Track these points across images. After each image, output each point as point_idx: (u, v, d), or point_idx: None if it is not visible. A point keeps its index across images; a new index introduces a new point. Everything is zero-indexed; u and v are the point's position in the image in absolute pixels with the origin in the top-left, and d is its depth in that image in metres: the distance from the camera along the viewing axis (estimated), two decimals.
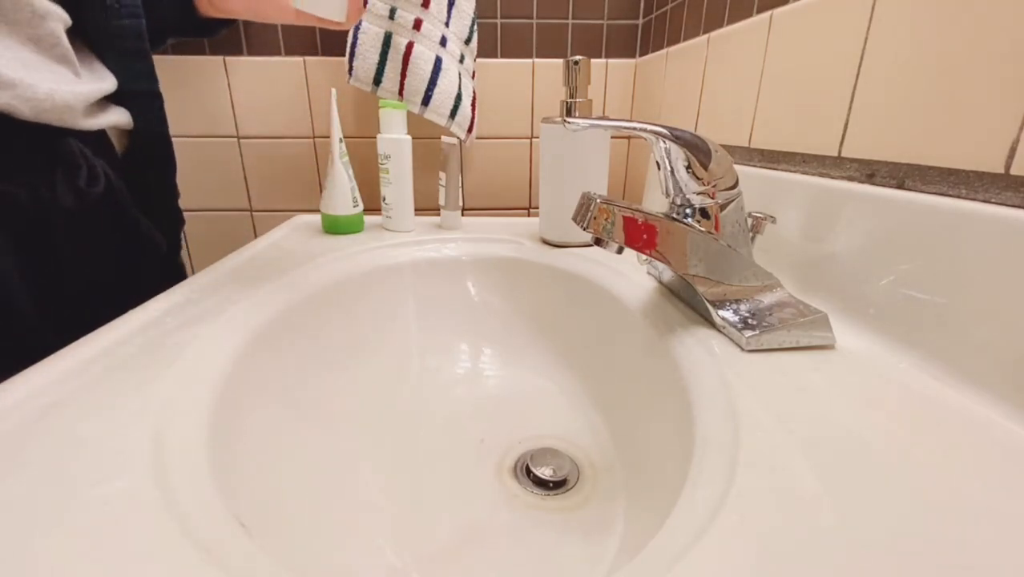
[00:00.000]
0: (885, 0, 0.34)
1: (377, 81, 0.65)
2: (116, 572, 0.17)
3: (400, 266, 0.55)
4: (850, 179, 0.37)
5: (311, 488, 0.33)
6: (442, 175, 0.62)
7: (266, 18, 0.54)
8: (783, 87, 0.44)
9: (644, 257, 0.44)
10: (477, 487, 0.38)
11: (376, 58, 0.63)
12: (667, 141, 0.33)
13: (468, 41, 0.71)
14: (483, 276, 0.57)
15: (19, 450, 0.22)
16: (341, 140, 0.59)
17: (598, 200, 0.31)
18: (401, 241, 0.58)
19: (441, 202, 0.63)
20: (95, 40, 0.45)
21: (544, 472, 0.38)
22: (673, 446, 0.29)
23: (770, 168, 0.45)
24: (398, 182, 0.61)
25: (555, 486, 0.37)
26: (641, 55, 0.79)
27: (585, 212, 0.32)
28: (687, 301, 0.40)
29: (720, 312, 0.35)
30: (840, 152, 0.38)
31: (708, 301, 0.35)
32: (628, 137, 0.84)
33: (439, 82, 0.65)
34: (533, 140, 0.82)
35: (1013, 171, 0.26)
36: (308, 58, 0.76)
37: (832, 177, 0.38)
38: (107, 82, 0.45)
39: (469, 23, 0.70)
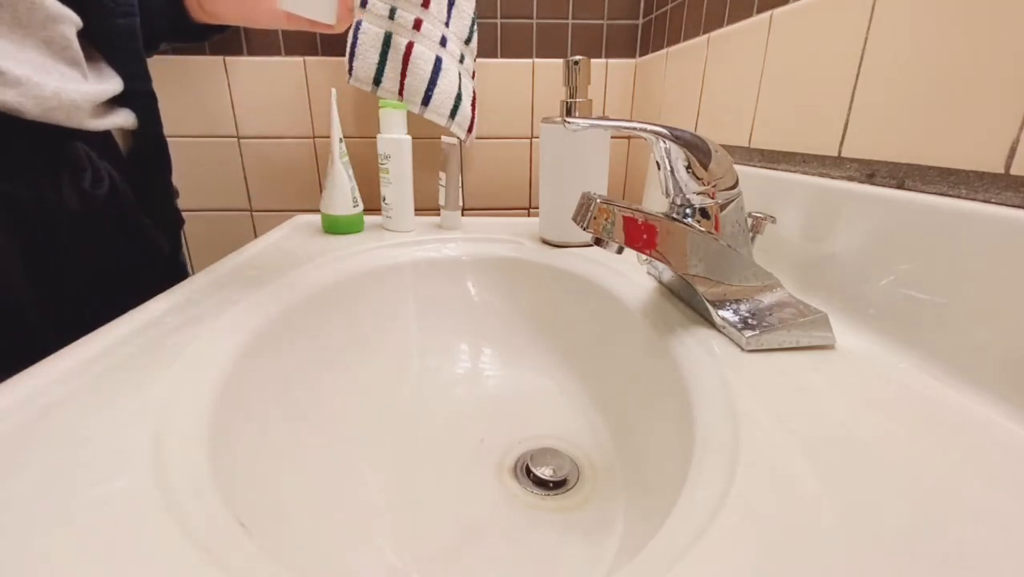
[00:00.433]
0: (885, 0, 0.34)
1: (377, 81, 0.65)
2: (116, 572, 0.17)
3: (400, 266, 0.55)
4: (850, 179, 0.37)
5: (311, 488, 0.33)
6: (442, 175, 0.62)
7: (258, 23, 0.54)
8: (783, 87, 0.44)
9: (644, 257, 0.44)
10: (477, 487, 0.38)
11: (376, 58, 0.63)
12: (667, 141, 0.33)
13: (468, 41, 0.71)
14: (483, 276, 0.57)
15: (19, 450, 0.22)
16: (341, 140, 0.59)
17: (598, 200, 0.31)
18: (401, 241, 0.58)
19: (441, 202, 0.63)
20: (96, 40, 0.45)
21: (544, 472, 0.38)
22: (673, 446, 0.29)
23: (770, 168, 0.45)
24: (398, 182, 0.61)
25: (555, 486, 0.37)
26: (641, 55, 0.79)
27: (585, 212, 0.32)
28: (687, 301, 0.40)
29: (720, 312, 0.35)
30: (840, 152, 0.38)
31: (708, 301, 0.35)
32: (628, 137, 0.84)
33: (439, 82, 0.65)
34: (533, 140, 0.82)
35: (1013, 171, 0.26)
36: (308, 58, 0.76)
37: (832, 177, 0.38)
38: (113, 83, 0.45)
39: (469, 23, 0.70)
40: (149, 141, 0.50)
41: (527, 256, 0.56)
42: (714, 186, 0.34)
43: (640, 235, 0.33)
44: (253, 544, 0.19)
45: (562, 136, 0.54)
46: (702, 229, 0.34)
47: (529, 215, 0.87)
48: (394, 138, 0.59)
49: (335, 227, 0.62)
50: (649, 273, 0.47)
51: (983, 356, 0.26)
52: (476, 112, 0.73)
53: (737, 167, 0.47)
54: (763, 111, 0.47)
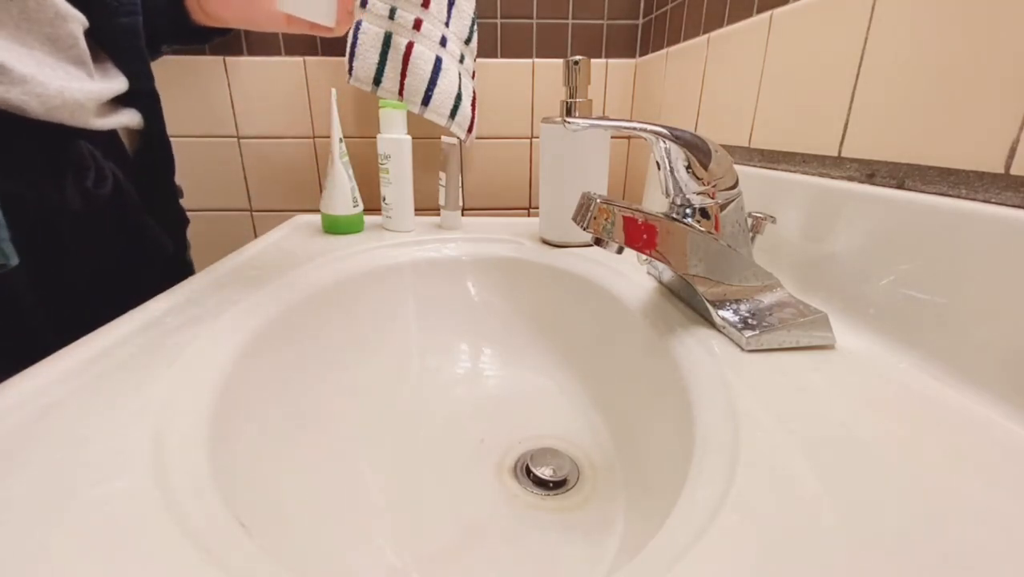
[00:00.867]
0: (885, 0, 0.34)
1: (377, 81, 0.65)
2: (116, 572, 0.17)
3: (400, 266, 0.55)
4: (850, 179, 0.37)
5: (311, 488, 0.33)
6: (442, 175, 0.62)
7: (258, 26, 0.54)
8: (783, 87, 0.44)
9: (644, 257, 0.44)
10: (477, 487, 0.38)
11: (376, 58, 0.63)
12: (667, 141, 0.33)
13: (468, 41, 0.71)
14: (483, 276, 0.57)
15: (19, 450, 0.22)
16: (341, 140, 0.59)
17: (598, 200, 0.31)
18: (401, 241, 0.58)
19: (441, 202, 0.63)
20: (101, 39, 0.45)
21: (544, 472, 0.38)
22: (673, 446, 0.29)
23: (770, 168, 0.45)
24: (398, 182, 0.61)
25: (555, 486, 0.37)
26: (641, 55, 0.79)
27: (585, 212, 0.32)
28: (687, 301, 0.40)
29: (720, 312, 0.35)
30: (840, 152, 0.38)
31: (708, 301, 0.35)
32: (628, 137, 0.84)
33: (439, 82, 0.65)
34: (533, 140, 0.82)
35: (1013, 171, 0.26)
36: (308, 58, 0.76)
37: (832, 177, 0.38)
38: (118, 82, 0.45)
39: (469, 23, 0.70)
40: (153, 140, 0.50)
41: (527, 256, 0.56)
42: (714, 186, 0.34)
43: (640, 235, 0.33)
44: (253, 544, 0.19)
45: (562, 136, 0.54)
46: (702, 229, 0.34)
47: (529, 215, 0.87)
48: (394, 138, 0.59)
49: (335, 227, 0.62)
50: (649, 273, 0.47)
51: (983, 356, 0.26)
52: (476, 112, 0.73)
53: (737, 167, 0.47)
54: (763, 111, 0.47)
